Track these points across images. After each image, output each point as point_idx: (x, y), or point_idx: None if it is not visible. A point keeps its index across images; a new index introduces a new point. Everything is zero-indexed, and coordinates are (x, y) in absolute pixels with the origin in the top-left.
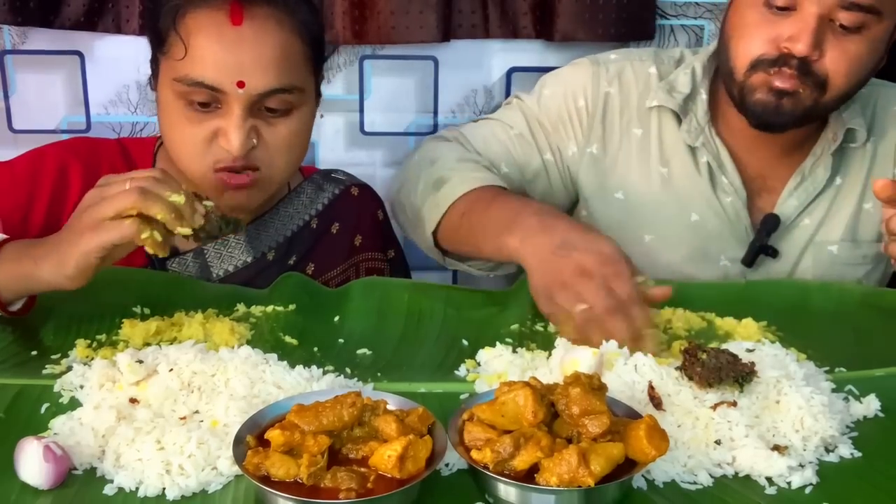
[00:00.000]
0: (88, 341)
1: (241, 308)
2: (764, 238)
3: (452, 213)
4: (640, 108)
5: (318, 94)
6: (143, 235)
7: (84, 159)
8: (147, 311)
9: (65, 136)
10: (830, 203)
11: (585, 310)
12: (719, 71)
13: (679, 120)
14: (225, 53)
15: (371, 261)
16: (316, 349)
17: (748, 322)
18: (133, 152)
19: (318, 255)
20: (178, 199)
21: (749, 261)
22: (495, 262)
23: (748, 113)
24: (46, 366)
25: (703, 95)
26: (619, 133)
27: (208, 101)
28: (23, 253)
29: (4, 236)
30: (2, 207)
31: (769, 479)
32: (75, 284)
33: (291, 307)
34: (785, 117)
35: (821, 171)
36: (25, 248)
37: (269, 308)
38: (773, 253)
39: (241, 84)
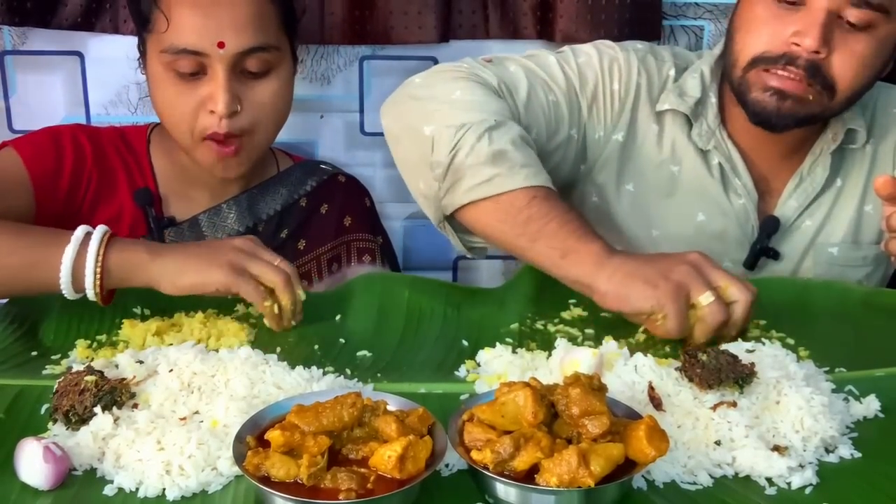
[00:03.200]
0: (88, 341)
1: (240, 308)
2: (764, 240)
3: (514, 202)
4: (656, 107)
5: (295, 59)
6: (267, 304)
7: (92, 138)
8: (147, 311)
9: None
10: (831, 205)
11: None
12: (724, 65)
13: (690, 123)
14: (204, 19)
15: (361, 241)
16: (316, 349)
17: None
18: (131, 138)
19: (308, 233)
20: (302, 295)
21: (750, 263)
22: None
23: (747, 109)
24: (46, 366)
25: (712, 99)
26: (640, 125)
27: (195, 69)
28: (135, 247)
29: (108, 229)
30: (33, 173)
31: (769, 480)
32: (172, 293)
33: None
34: (786, 119)
35: (819, 171)
36: (136, 242)
37: None
38: (775, 255)
39: (221, 44)
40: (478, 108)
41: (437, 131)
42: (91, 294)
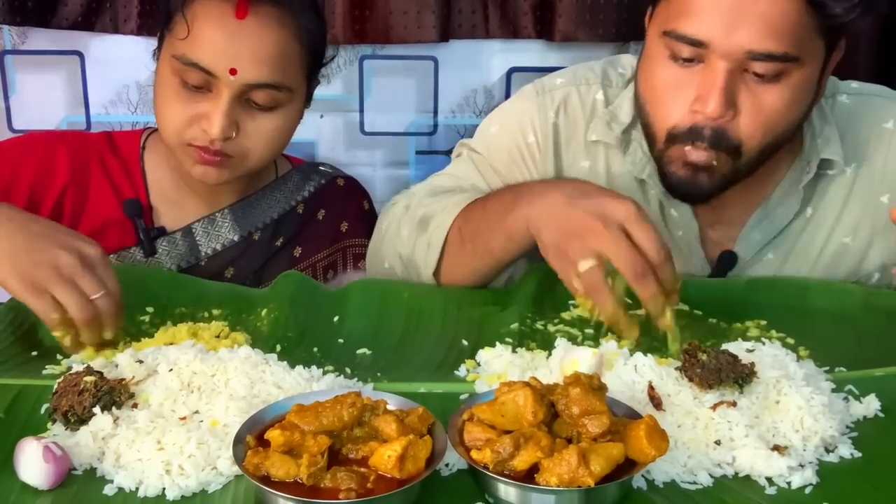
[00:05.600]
0: None
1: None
2: (720, 276)
3: (451, 240)
4: (586, 138)
5: (310, 99)
6: (58, 334)
7: (73, 148)
8: (149, 309)
9: None
10: (798, 235)
11: (593, 267)
12: (644, 133)
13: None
14: (224, 42)
15: (358, 246)
16: (316, 349)
17: None
18: (121, 145)
19: (304, 240)
20: (108, 335)
21: None
22: (507, 258)
23: (666, 185)
24: (46, 366)
25: None
26: (568, 166)
27: (200, 83)
28: None
29: None
30: None
31: (769, 480)
32: None
33: (291, 307)
34: (703, 190)
35: (792, 202)
36: None
37: (269, 307)
38: None
39: (233, 71)
40: (399, 211)
41: (389, 256)
42: None
